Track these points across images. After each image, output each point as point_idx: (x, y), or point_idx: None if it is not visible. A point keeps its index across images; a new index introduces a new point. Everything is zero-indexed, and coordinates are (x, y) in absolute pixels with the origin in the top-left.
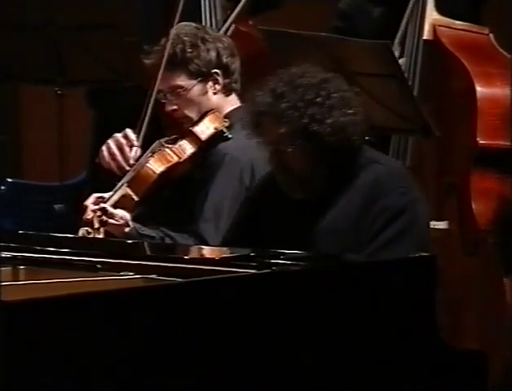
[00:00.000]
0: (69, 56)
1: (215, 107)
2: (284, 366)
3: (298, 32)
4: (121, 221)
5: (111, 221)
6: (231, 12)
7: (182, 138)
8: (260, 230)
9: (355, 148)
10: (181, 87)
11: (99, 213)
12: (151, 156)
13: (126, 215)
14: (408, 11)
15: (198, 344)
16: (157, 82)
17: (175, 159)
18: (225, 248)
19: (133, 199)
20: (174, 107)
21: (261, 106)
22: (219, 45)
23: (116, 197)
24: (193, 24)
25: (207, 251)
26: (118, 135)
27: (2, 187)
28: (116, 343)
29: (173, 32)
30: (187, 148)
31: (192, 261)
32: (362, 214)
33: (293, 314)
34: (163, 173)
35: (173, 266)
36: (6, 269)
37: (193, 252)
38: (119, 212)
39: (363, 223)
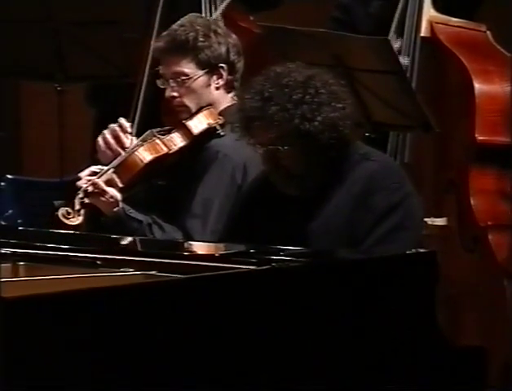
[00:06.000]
0: (69, 52)
1: (214, 102)
2: (284, 362)
3: (298, 28)
4: (112, 200)
5: (101, 198)
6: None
7: (174, 130)
8: (254, 228)
9: (347, 143)
10: (186, 75)
11: (90, 188)
12: (140, 145)
13: (117, 195)
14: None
15: (198, 340)
16: (147, 68)
17: (164, 150)
18: (225, 245)
19: (117, 185)
20: (175, 93)
21: (250, 111)
22: (230, 41)
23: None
24: (206, 17)
25: (207, 247)
26: (113, 125)
27: (2, 183)
28: (116, 339)
29: (156, 24)
30: (177, 141)
31: (192, 257)
32: (355, 210)
33: (292, 311)
34: (150, 162)
35: (173, 263)
36: (6, 265)
37: (193, 249)
38: (111, 190)
39: (356, 219)
